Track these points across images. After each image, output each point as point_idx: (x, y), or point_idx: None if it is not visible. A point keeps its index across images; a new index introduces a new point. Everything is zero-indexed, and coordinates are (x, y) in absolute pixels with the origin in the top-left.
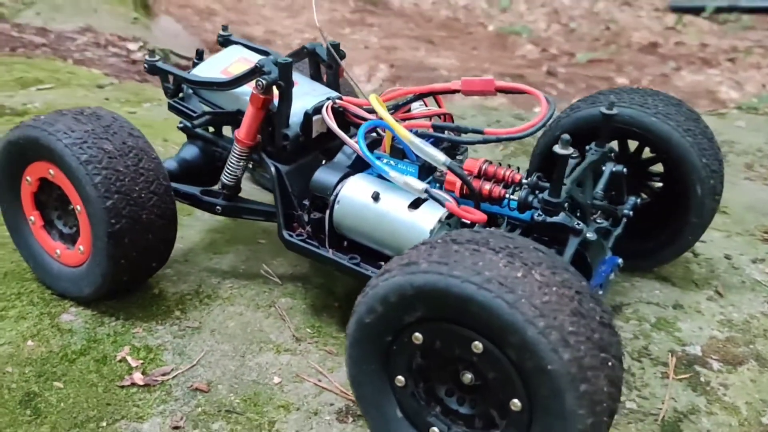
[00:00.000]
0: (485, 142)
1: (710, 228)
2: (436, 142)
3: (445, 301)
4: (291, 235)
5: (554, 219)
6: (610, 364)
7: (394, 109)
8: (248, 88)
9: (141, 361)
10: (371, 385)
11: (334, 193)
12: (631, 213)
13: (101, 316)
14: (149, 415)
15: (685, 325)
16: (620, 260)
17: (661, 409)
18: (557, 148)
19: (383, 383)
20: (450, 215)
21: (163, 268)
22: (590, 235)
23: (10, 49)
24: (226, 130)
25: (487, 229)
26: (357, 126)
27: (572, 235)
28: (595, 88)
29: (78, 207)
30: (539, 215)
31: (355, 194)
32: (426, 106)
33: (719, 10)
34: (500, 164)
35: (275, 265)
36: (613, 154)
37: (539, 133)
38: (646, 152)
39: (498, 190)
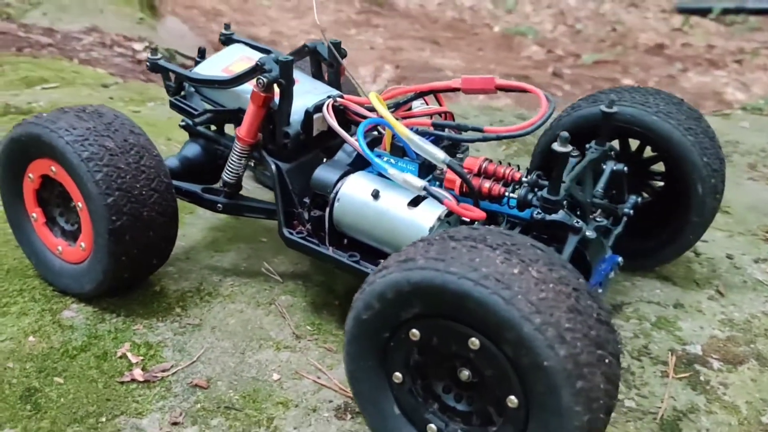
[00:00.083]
0: (485, 140)
1: (712, 228)
2: (437, 141)
3: (441, 297)
4: (291, 233)
5: (553, 217)
6: (606, 361)
7: (395, 108)
8: (249, 86)
9: (141, 358)
10: (369, 381)
11: (334, 191)
12: (631, 212)
13: (102, 313)
14: (148, 411)
15: (686, 325)
16: (620, 259)
17: (660, 407)
18: (556, 146)
19: (381, 380)
20: (450, 213)
21: (165, 265)
22: (590, 234)
23: (17, 49)
24: (229, 129)
25: (485, 226)
26: (358, 124)
27: (571, 233)
28: (600, 89)
29: (79, 204)
30: (538, 213)
31: (355, 192)
32: (427, 104)
33: (726, 11)
34: (500, 163)
35: (276, 263)
36: (613, 153)
37: (540, 132)
38: (648, 151)
39: (498, 188)
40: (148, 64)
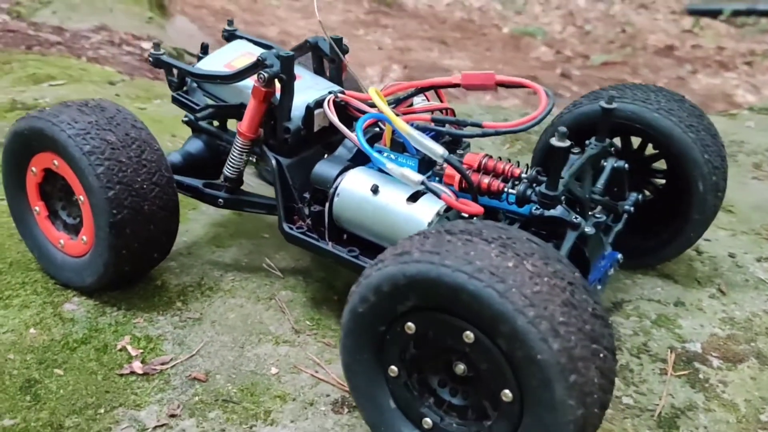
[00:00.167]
0: (484, 135)
1: (715, 227)
2: (437, 136)
3: (436, 290)
4: (291, 228)
5: (551, 212)
6: (601, 355)
7: (396, 103)
8: (251, 82)
9: (141, 351)
10: (365, 374)
11: (334, 186)
12: (632, 209)
13: (103, 306)
14: (147, 403)
15: (686, 323)
16: (620, 255)
17: (658, 404)
18: (554, 141)
19: (376, 373)
20: (448, 208)
21: (167, 260)
22: (588, 230)
23: (26, 47)
24: (231, 125)
25: (482, 220)
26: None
27: (570, 229)
28: None
29: (81, 197)
30: (537, 209)
31: (354, 187)
32: (428, 101)
33: (737, 13)
34: (500, 159)
35: (277, 259)
36: (614, 150)
37: (541, 130)
38: (649, 149)
39: (497, 183)
40: (150, 59)
